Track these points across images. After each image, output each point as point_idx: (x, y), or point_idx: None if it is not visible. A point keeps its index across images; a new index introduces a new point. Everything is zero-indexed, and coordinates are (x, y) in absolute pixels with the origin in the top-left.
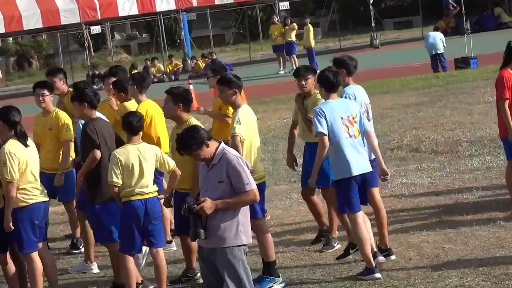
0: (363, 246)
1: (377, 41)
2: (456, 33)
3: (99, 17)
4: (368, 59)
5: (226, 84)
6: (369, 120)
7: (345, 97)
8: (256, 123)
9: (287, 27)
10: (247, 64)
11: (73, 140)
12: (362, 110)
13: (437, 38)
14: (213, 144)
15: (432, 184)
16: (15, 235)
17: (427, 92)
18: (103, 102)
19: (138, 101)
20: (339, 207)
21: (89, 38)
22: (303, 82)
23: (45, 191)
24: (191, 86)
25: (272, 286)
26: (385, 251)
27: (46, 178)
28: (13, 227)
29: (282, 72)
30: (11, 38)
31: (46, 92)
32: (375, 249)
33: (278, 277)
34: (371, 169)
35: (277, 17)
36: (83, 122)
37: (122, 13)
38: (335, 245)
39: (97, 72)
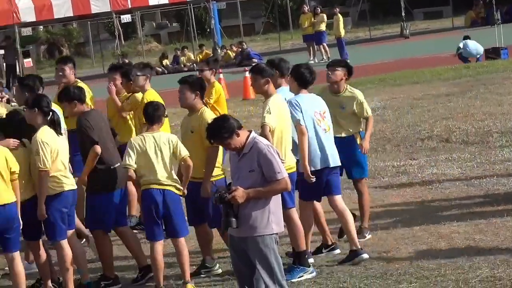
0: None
1: (407, 31)
2: (486, 24)
3: (129, 6)
4: (398, 49)
5: (259, 73)
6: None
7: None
8: (288, 112)
9: (317, 16)
10: (277, 53)
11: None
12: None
13: (475, 43)
14: (243, 133)
15: (463, 174)
16: (45, 223)
17: (457, 83)
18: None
19: (144, 91)
20: (303, 194)
21: (119, 27)
22: (329, 73)
23: (73, 179)
24: (221, 75)
25: (303, 275)
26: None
27: None
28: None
29: (312, 61)
30: (42, 27)
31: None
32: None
33: (309, 266)
34: (340, 164)
35: (307, 7)
36: None
37: (152, 2)
38: (366, 235)
39: (127, 61)
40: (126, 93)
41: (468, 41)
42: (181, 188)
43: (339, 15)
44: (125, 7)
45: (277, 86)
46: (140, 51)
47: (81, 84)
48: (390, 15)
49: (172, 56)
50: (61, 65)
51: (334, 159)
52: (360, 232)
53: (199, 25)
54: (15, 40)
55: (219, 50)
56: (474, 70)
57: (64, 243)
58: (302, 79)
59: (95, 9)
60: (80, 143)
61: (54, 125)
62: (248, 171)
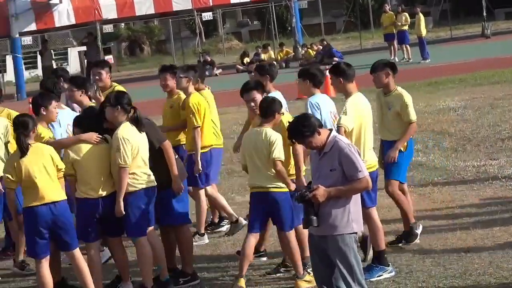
0: None
1: (489, 31)
2: None
3: (211, 4)
4: (479, 49)
5: (337, 74)
6: None
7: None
8: (370, 111)
9: (398, 15)
10: (358, 52)
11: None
12: None
13: None
14: (324, 132)
15: None
16: (124, 220)
17: None
18: None
19: (187, 92)
20: None
21: (200, 25)
22: (374, 79)
23: (153, 176)
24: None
25: (382, 275)
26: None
27: None
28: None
29: (393, 61)
30: (123, 24)
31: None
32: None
33: (388, 266)
34: None
35: (388, 6)
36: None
37: (233, 0)
38: (417, 231)
39: (209, 59)
40: (179, 94)
41: None
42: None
43: (421, 14)
44: (207, 4)
45: (267, 90)
46: (221, 49)
47: (118, 87)
48: (471, 15)
49: (253, 54)
50: (98, 69)
51: None
52: (411, 229)
53: (280, 24)
54: (97, 37)
55: (299, 49)
56: None
57: (144, 240)
58: (315, 79)
59: (176, 6)
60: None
61: (136, 122)
62: (329, 170)
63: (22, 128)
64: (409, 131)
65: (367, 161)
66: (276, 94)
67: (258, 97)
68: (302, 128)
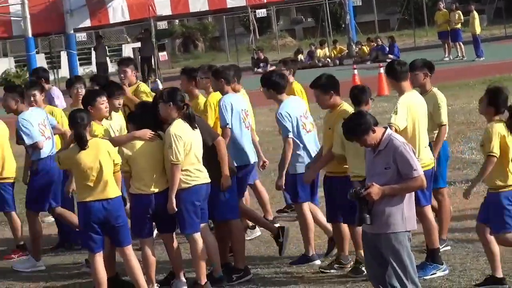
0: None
1: None
2: None
3: (265, 1)
4: None
5: (390, 74)
6: (247, 127)
7: (221, 105)
8: (425, 108)
9: (452, 13)
10: (412, 50)
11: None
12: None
13: None
14: (379, 130)
15: None
16: (178, 216)
17: None
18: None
19: (208, 93)
20: (295, 197)
21: (254, 22)
22: (411, 78)
23: (207, 173)
24: (355, 71)
25: (435, 273)
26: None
27: None
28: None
29: (447, 59)
30: (177, 21)
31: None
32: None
33: (442, 264)
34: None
35: (442, 4)
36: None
37: None
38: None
39: (262, 56)
40: (198, 97)
41: None
42: None
43: (475, 12)
44: (261, 1)
45: (224, 92)
46: (274, 46)
47: (142, 86)
48: None
49: (306, 52)
50: (123, 67)
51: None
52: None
53: (334, 21)
54: (152, 33)
55: (353, 46)
56: None
57: (197, 236)
58: (278, 86)
59: (230, 3)
60: None
61: (189, 118)
62: (384, 168)
63: (81, 121)
64: (441, 134)
65: (422, 159)
66: (232, 96)
67: None
68: (358, 126)
